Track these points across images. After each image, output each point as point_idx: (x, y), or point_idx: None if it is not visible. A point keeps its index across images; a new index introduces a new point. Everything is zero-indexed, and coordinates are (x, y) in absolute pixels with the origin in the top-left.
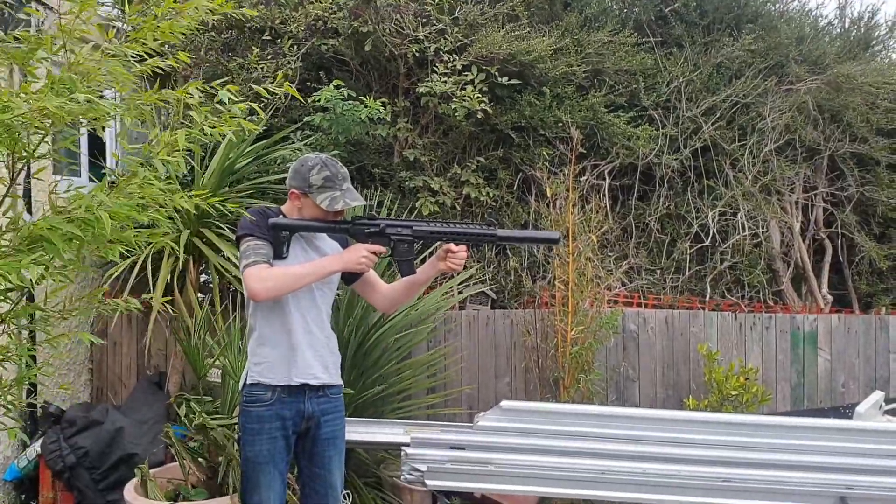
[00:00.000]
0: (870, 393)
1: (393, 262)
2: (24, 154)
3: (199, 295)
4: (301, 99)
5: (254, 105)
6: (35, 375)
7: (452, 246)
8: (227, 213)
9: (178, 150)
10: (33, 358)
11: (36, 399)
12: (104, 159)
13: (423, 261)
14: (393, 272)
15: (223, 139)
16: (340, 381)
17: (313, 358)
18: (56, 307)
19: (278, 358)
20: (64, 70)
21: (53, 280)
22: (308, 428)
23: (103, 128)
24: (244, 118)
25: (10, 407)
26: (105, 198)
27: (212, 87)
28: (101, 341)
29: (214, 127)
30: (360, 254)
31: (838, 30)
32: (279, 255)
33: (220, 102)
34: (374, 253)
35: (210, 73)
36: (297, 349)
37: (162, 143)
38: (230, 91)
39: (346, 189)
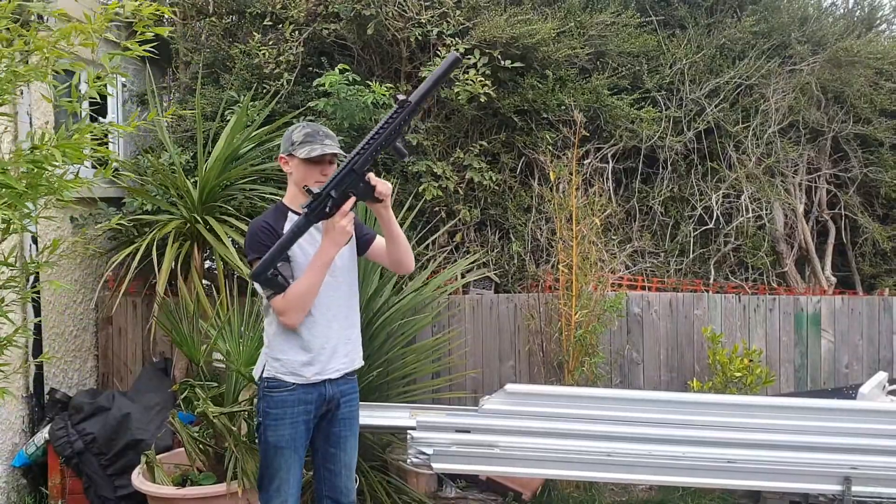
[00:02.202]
0: (873, 374)
1: (365, 203)
2: None
3: (204, 282)
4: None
5: (159, 6)
6: (13, 340)
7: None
8: (231, 197)
9: (105, 76)
10: (39, 335)
11: (42, 371)
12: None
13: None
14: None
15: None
16: (361, 363)
17: (333, 355)
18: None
19: (297, 362)
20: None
21: (17, 231)
22: (328, 410)
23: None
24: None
25: None
26: (50, 137)
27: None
28: (66, 286)
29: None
30: (339, 225)
31: (842, 10)
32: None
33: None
34: (346, 213)
35: (211, 59)
36: (317, 352)
37: (90, 77)
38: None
39: (326, 144)
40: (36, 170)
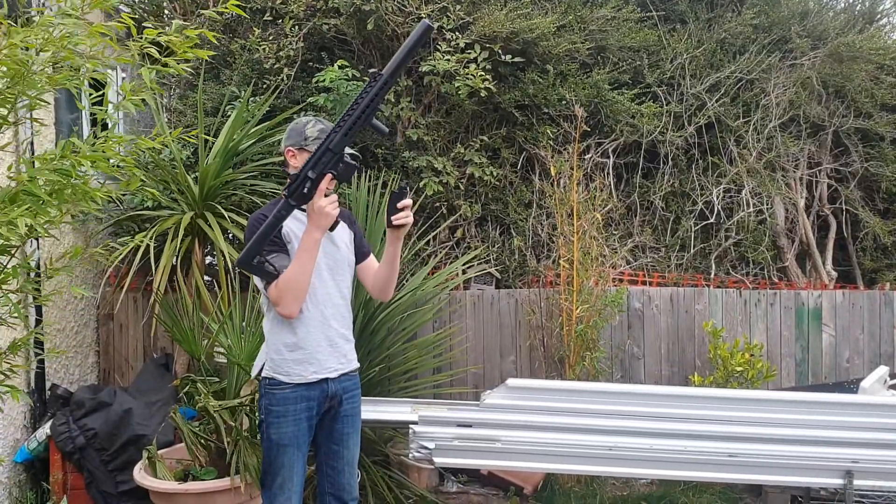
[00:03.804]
0: (874, 368)
1: (342, 182)
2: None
3: (206, 277)
4: (243, 13)
5: (205, 31)
6: (29, 342)
7: (407, 204)
8: (231, 193)
9: (146, 89)
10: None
11: (43, 373)
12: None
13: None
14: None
15: (186, 72)
16: (357, 364)
17: (331, 354)
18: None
19: (294, 360)
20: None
21: (40, 236)
22: (331, 407)
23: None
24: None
25: (7, 374)
26: (84, 146)
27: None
28: (86, 293)
29: (167, 60)
30: (321, 206)
31: (842, 4)
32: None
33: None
34: (327, 193)
35: (212, 55)
36: (314, 349)
37: (125, 91)
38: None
39: None
40: (61, 178)
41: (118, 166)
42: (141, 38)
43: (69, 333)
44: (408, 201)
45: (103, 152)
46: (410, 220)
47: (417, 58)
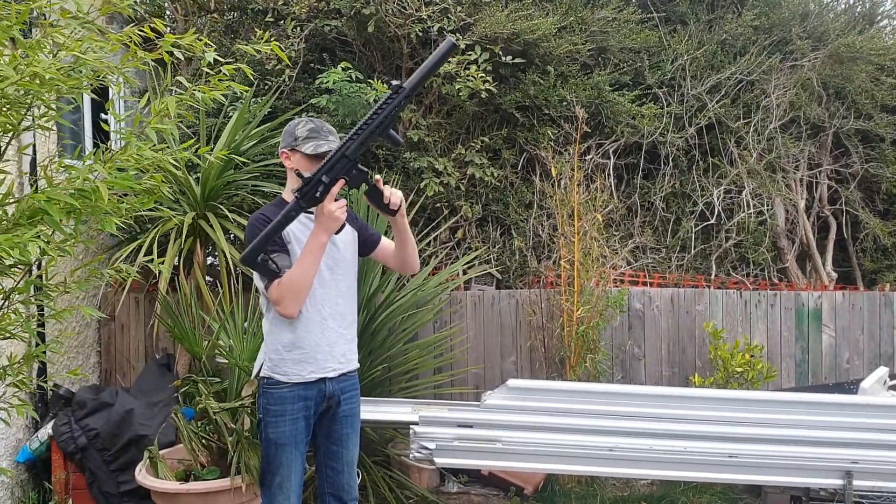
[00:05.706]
0: (874, 369)
1: (352, 189)
2: (9, 127)
3: (207, 277)
4: (286, 59)
5: (243, 66)
6: (43, 353)
7: (383, 190)
8: (233, 194)
9: (170, 117)
10: (42, 336)
11: (45, 382)
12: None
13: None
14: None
15: (221, 103)
16: (357, 365)
17: (329, 354)
18: (54, 280)
19: (292, 360)
20: (36, 41)
21: (52, 255)
22: (329, 407)
23: (106, 97)
24: (233, 80)
25: (20, 386)
26: (102, 168)
27: (194, 50)
28: (101, 315)
29: (206, 92)
30: (331, 211)
31: (843, 5)
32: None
33: (208, 65)
34: (336, 198)
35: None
36: (311, 349)
37: (153, 112)
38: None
39: (331, 140)
40: (77, 201)
41: (139, 184)
42: (159, 41)
43: (69, 330)
44: (378, 178)
45: (120, 170)
46: (399, 195)
47: (418, 58)
